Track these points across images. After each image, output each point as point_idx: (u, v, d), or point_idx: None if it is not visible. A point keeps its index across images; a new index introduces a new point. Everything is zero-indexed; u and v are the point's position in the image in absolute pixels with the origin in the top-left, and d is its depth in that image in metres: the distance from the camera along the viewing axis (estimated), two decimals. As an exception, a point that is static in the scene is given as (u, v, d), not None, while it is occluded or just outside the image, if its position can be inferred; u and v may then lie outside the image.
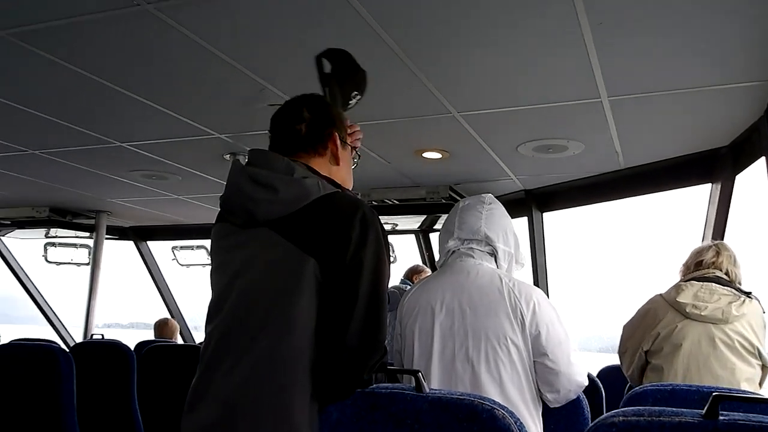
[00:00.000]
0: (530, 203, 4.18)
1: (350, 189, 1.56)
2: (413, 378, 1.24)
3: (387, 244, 1.39)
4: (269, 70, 2.35)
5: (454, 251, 1.93)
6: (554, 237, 4.40)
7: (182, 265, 6.38)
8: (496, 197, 2.01)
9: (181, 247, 6.27)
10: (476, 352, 1.74)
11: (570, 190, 3.99)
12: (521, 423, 1.17)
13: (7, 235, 6.09)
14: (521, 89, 2.47)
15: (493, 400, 1.20)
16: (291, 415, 1.23)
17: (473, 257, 1.89)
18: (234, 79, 2.41)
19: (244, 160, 1.46)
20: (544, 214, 4.28)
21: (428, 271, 4.85)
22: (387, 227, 5.42)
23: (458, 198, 4.05)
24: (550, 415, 1.88)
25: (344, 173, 1.55)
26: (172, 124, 2.99)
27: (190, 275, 6.41)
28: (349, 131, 1.58)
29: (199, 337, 6.39)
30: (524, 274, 4.14)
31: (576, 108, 2.63)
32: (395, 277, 4.58)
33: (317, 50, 2.16)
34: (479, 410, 1.17)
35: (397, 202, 4.33)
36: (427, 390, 1.23)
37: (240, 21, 1.98)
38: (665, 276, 2.62)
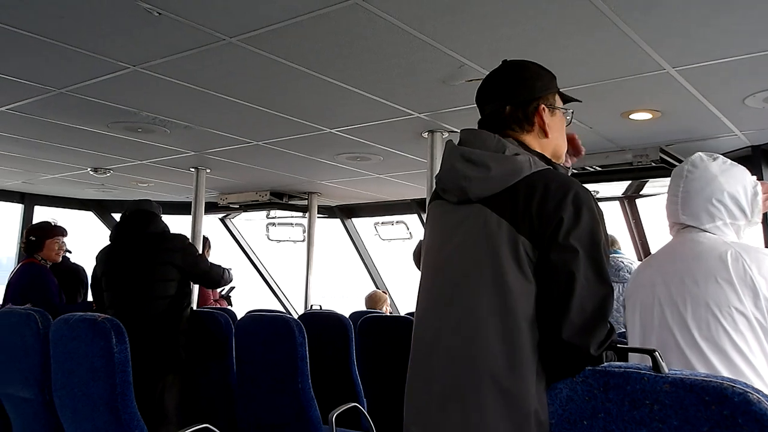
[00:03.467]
0: (759, 160, 3.71)
1: (563, 153, 1.52)
2: (650, 357, 1.18)
3: (602, 221, 1.32)
4: (468, 47, 2.36)
5: (675, 224, 1.81)
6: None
7: (384, 239, 6.73)
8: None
9: (382, 223, 6.61)
10: (695, 322, 1.62)
11: (811, 142, 3.48)
12: (781, 409, 1.06)
13: (236, 217, 6.93)
14: (752, 33, 2.19)
15: (745, 383, 1.10)
16: (516, 390, 1.24)
17: (692, 229, 1.75)
18: (434, 58, 2.46)
19: (443, 137, 1.48)
20: (779, 171, 3.77)
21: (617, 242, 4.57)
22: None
23: (670, 160, 3.74)
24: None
25: (555, 142, 1.49)
26: (375, 107, 3.14)
27: (392, 249, 6.75)
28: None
29: (402, 308, 6.71)
30: (757, 238, 3.73)
31: (823, 48, 2.26)
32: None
33: (512, 21, 2.13)
34: (729, 393, 1.08)
35: (599, 168, 4.10)
36: (666, 370, 1.17)
37: (442, 1, 2.00)
38: None
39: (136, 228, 3.27)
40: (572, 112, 1.54)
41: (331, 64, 2.58)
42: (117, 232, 3.32)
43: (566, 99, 1.54)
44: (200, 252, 3.49)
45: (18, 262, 5.89)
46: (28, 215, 6.23)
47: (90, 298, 4.63)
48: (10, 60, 2.58)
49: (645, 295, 1.76)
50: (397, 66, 2.59)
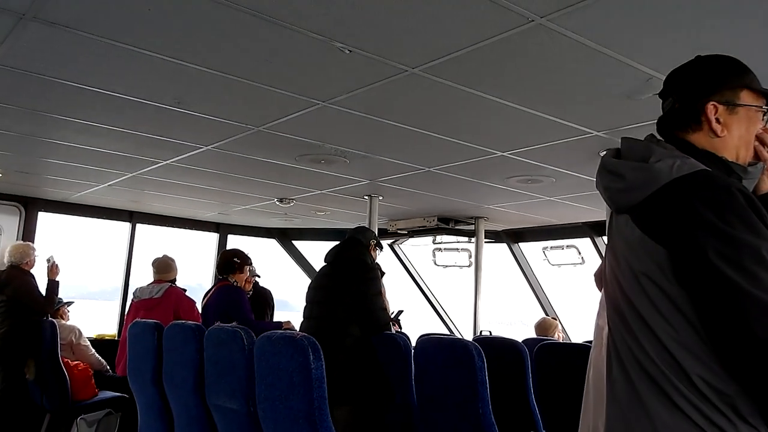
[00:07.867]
0: None
1: (748, 155, 1.36)
2: None
3: (749, 220, 1.12)
4: (659, 58, 2.24)
5: None
6: None
7: (553, 264, 6.51)
8: None
9: (552, 248, 6.41)
10: None
11: None
12: None
13: (403, 243, 7.12)
14: None
15: None
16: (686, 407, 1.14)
17: None
18: (618, 73, 2.37)
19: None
20: None
21: None
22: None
23: None
24: None
25: (734, 143, 1.34)
26: (550, 128, 3.08)
27: (562, 275, 6.51)
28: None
29: (574, 336, 6.42)
30: None
31: None
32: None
33: (710, 26, 1.99)
34: None
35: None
36: None
37: (627, 15, 1.93)
38: None
39: (336, 252, 3.52)
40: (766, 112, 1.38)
41: (507, 87, 2.59)
42: (326, 254, 3.59)
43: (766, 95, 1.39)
44: (380, 291, 3.40)
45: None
46: (222, 244, 6.92)
47: (276, 318, 5.02)
48: (220, 103, 2.91)
49: None
50: (577, 84, 2.53)
